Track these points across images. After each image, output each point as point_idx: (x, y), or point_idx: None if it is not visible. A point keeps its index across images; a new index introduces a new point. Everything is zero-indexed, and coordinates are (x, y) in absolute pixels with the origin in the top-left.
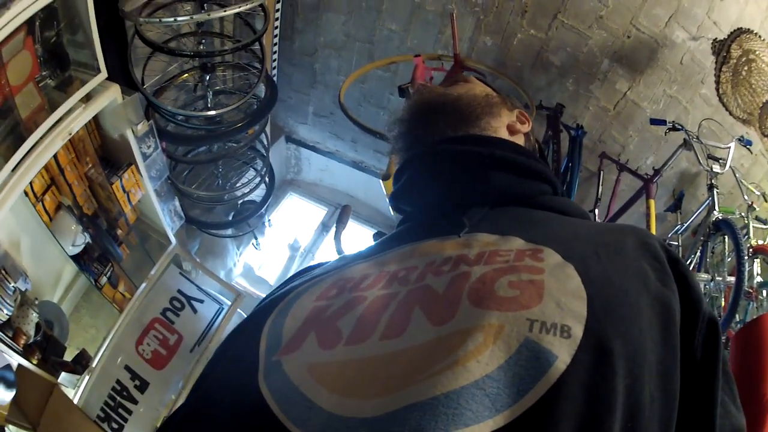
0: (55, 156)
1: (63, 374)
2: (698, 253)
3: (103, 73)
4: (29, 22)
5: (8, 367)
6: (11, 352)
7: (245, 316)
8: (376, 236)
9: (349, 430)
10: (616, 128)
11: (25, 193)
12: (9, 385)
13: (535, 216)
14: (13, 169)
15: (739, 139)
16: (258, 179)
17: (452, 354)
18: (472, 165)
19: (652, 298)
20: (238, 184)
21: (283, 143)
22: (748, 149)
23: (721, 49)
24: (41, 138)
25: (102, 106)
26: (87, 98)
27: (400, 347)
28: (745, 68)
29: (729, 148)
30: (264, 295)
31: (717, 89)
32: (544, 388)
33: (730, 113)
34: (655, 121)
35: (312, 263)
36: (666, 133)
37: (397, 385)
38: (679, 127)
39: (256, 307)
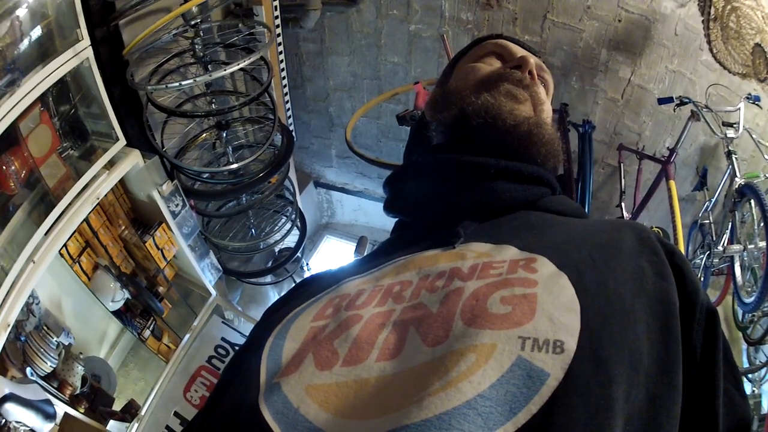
0: (87, 220)
1: (112, 422)
2: (729, 226)
3: (122, 141)
4: (43, 99)
5: (48, 401)
6: (57, 401)
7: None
8: (358, 245)
9: None
10: (629, 117)
11: (62, 255)
12: (48, 416)
13: (532, 219)
14: (46, 233)
15: (747, 97)
16: (289, 225)
17: (446, 375)
18: (477, 175)
19: (650, 297)
20: (270, 233)
21: (312, 189)
22: (758, 105)
23: (706, 5)
24: (70, 204)
25: (125, 171)
26: (110, 164)
27: (395, 369)
28: (732, 18)
29: (738, 109)
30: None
31: (711, 50)
32: (537, 405)
33: (729, 71)
34: (662, 101)
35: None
36: (675, 109)
37: (392, 407)
38: (686, 100)
39: (256, 325)
